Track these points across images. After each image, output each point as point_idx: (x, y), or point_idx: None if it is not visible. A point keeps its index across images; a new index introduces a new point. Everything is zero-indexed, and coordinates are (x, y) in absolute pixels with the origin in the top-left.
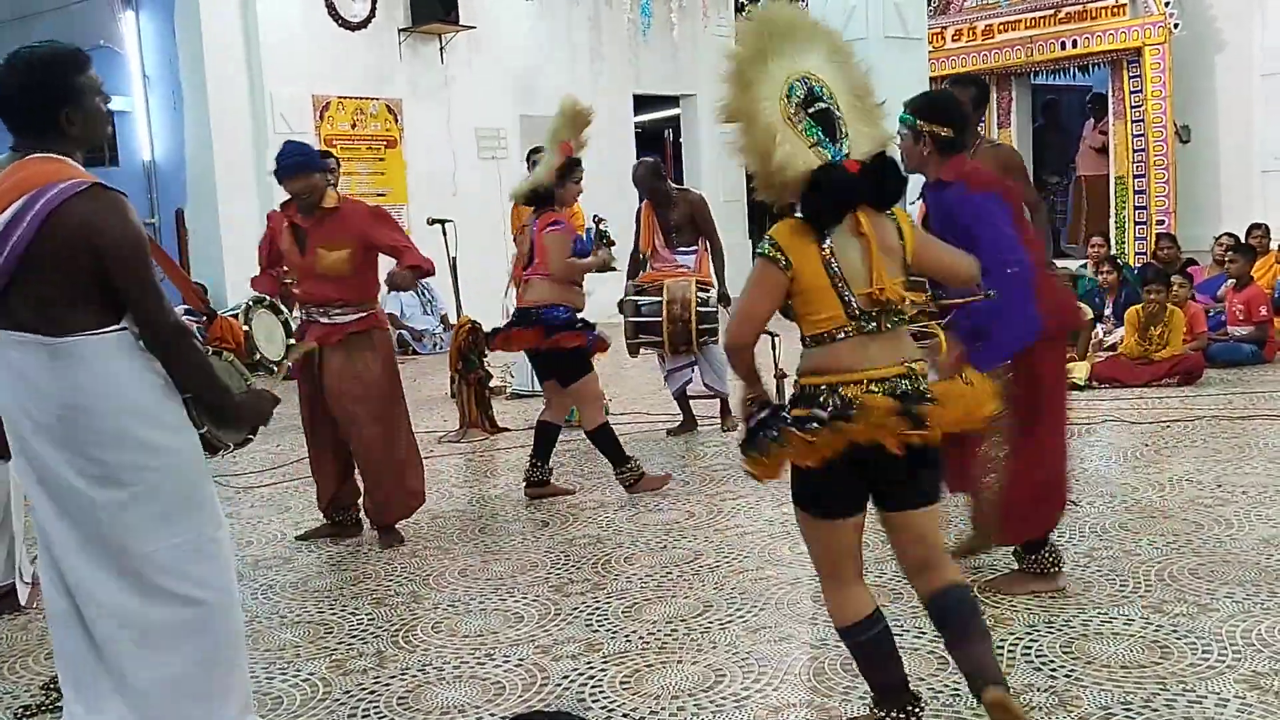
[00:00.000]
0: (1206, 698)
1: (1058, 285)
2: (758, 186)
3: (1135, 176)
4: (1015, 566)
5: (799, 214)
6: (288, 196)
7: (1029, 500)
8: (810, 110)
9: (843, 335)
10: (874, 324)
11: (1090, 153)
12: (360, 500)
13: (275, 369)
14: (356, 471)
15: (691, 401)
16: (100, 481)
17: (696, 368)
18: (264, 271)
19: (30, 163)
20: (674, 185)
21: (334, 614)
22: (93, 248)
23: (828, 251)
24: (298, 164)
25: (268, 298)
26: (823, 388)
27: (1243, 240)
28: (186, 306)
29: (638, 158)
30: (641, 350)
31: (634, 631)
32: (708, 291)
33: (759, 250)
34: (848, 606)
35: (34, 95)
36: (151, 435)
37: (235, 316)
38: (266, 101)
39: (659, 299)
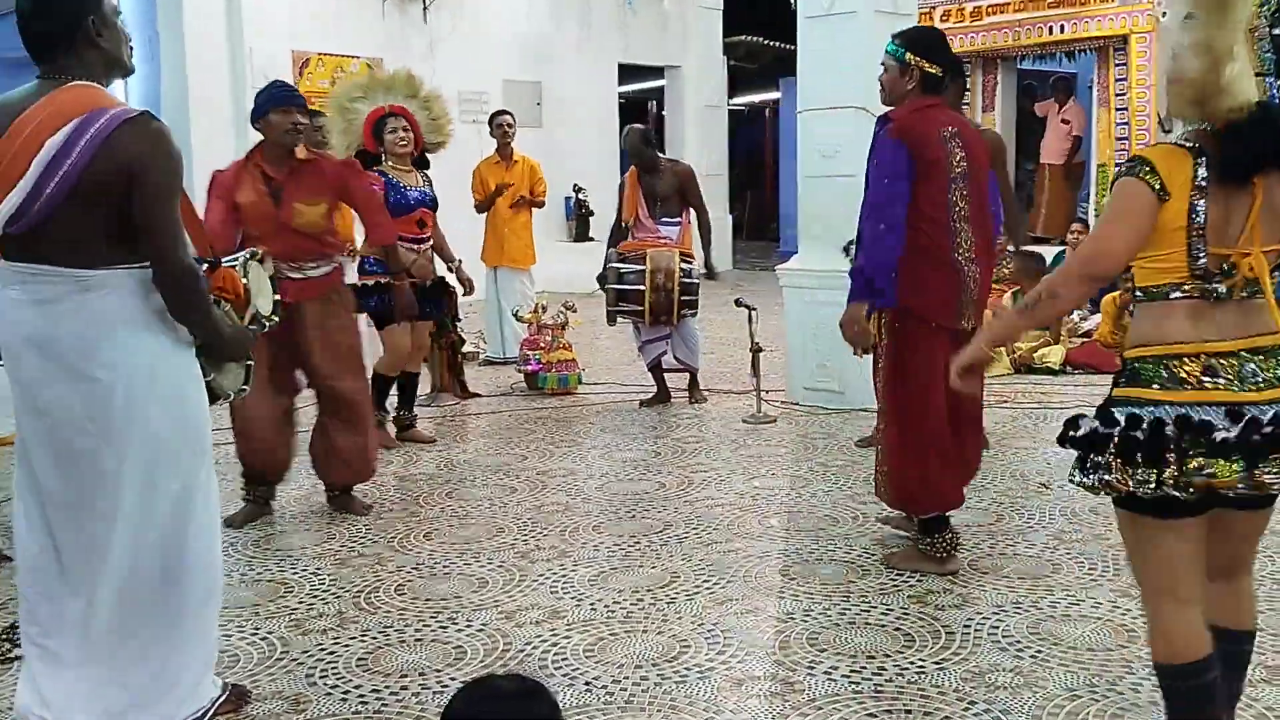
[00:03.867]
0: None
1: (953, 279)
2: (1170, 92)
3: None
4: (911, 541)
5: (1182, 143)
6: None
7: (896, 470)
8: (1276, 31)
9: (1178, 295)
10: (1222, 288)
11: (1054, 139)
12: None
13: (266, 324)
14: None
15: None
16: (104, 423)
17: (670, 340)
18: (216, 225)
19: (69, 90)
20: (663, 156)
21: (295, 574)
22: (134, 178)
23: (1198, 193)
24: (284, 94)
25: (259, 251)
26: (1149, 362)
27: None
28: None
29: (622, 127)
30: (619, 319)
31: (599, 600)
32: (690, 263)
33: (1128, 171)
34: (1180, 639)
35: (57, 3)
36: (169, 373)
37: (233, 268)
38: (245, 55)
39: (642, 268)
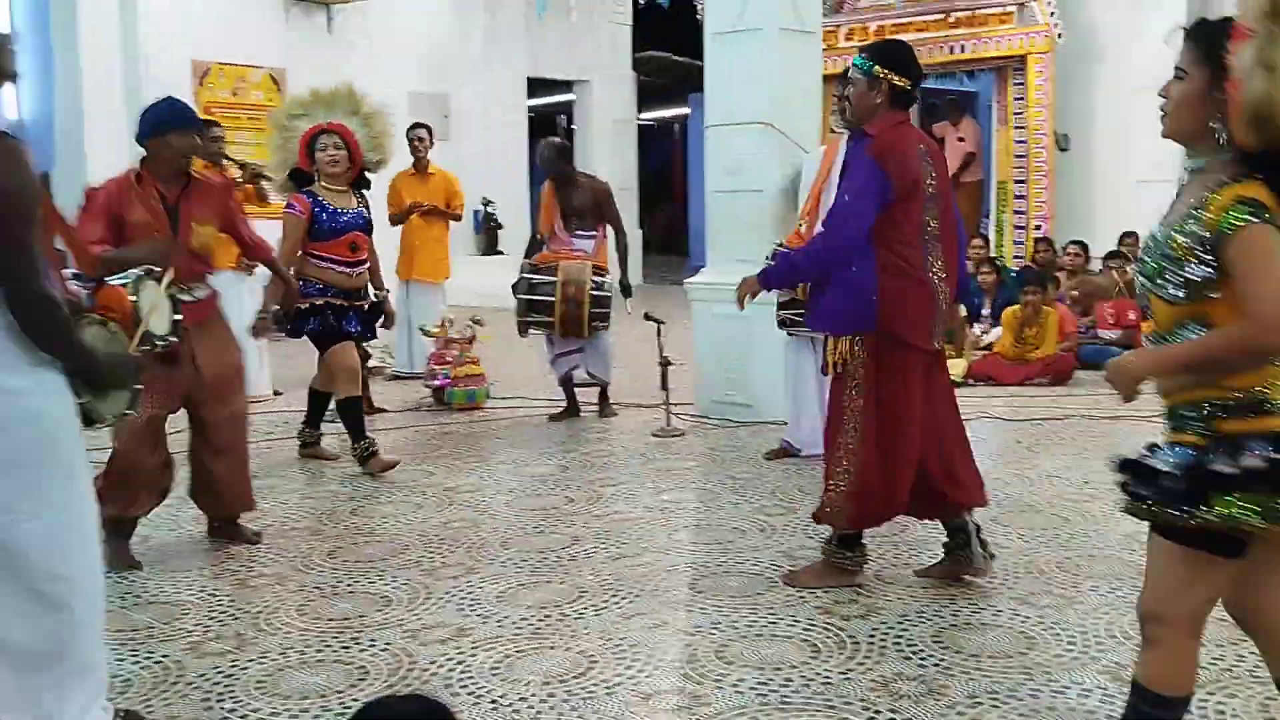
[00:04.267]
0: (1070, 688)
1: (929, 300)
2: (1249, 118)
3: (1016, 181)
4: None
5: (1249, 175)
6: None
7: (867, 491)
8: None
9: None
10: None
11: (952, 158)
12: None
13: (160, 345)
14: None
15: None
16: None
17: (582, 354)
18: (91, 245)
19: None
20: (581, 171)
21: (192, 595)
22: None
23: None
24: (189, 117)
25: (155, 269)
26: (1261, 393)
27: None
28: (75, 270)
29: (531, 141)
30: (530, 331)
31: (506, 617)
32: (603, 277)
33: (1249, 219)
34: (1189, 673)
35: None
36: (30, 395)
37: (124, 286)
38: (142, 65)
39: (554, 279)
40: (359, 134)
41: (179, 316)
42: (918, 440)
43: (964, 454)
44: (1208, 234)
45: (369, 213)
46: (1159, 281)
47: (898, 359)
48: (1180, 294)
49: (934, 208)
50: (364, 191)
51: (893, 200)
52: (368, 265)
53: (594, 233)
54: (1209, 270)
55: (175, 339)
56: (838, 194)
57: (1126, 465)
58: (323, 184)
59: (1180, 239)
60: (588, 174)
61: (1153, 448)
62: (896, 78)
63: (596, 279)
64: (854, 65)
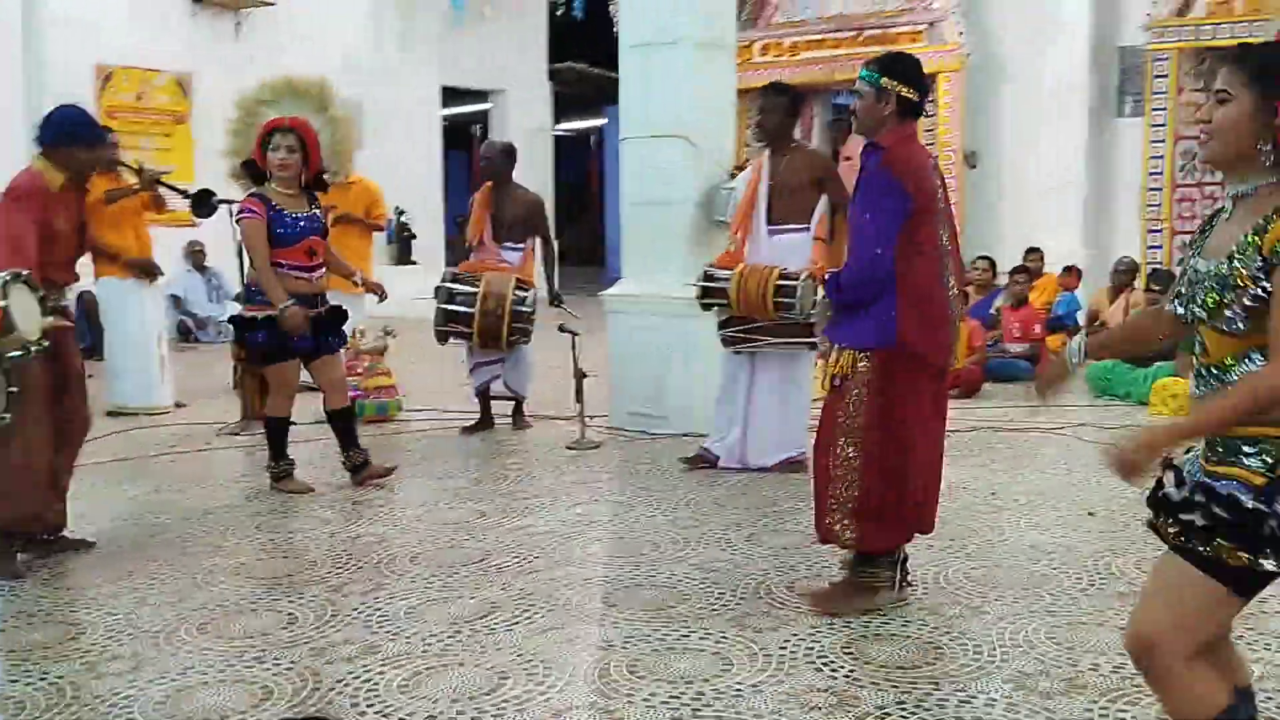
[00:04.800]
0: (977, 697)
1: (946, 316)
2: None
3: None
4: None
5: None
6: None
7: (876, 509)
8: None
9: None
10: None
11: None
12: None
13: (32, 351)
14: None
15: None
16: None
17: (503, 365)
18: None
19: None
20: (516, 182)
21: (89, 613)
22: None
23: None
24: (102, 132)
25: (24, 273)
26: None
27: (1022, 262)
28: None
29: (445, 150)
30: (450, 340)
31: (415, 633)
32: (527, 291)
33: None
34: (1212, 691)
35: None
36: None
37: None
38: (44, 68)
39: (475, 289)
40: (322, 136)
41: (50, 320)
42: (925, 455)
43: (936, 478)
44: (1264, 258)
45: (324, 216)
46: (1225, 314)
47: (909, 376)
48: (1244, 325)
49: (945, 222)
50: (318, 193)
51: (911, 213)
52: (324, 268)
53: (522, 245)
54: (1264, 294)
55: (47, 344)
56: (857, 211)
57: (1163, 495)
58: (274, 186)
59: (1241, 268)
60: (522, 186)
61: (1169, 467)
62: (905, 89)
63: (519, 292)
64: (860, 78)
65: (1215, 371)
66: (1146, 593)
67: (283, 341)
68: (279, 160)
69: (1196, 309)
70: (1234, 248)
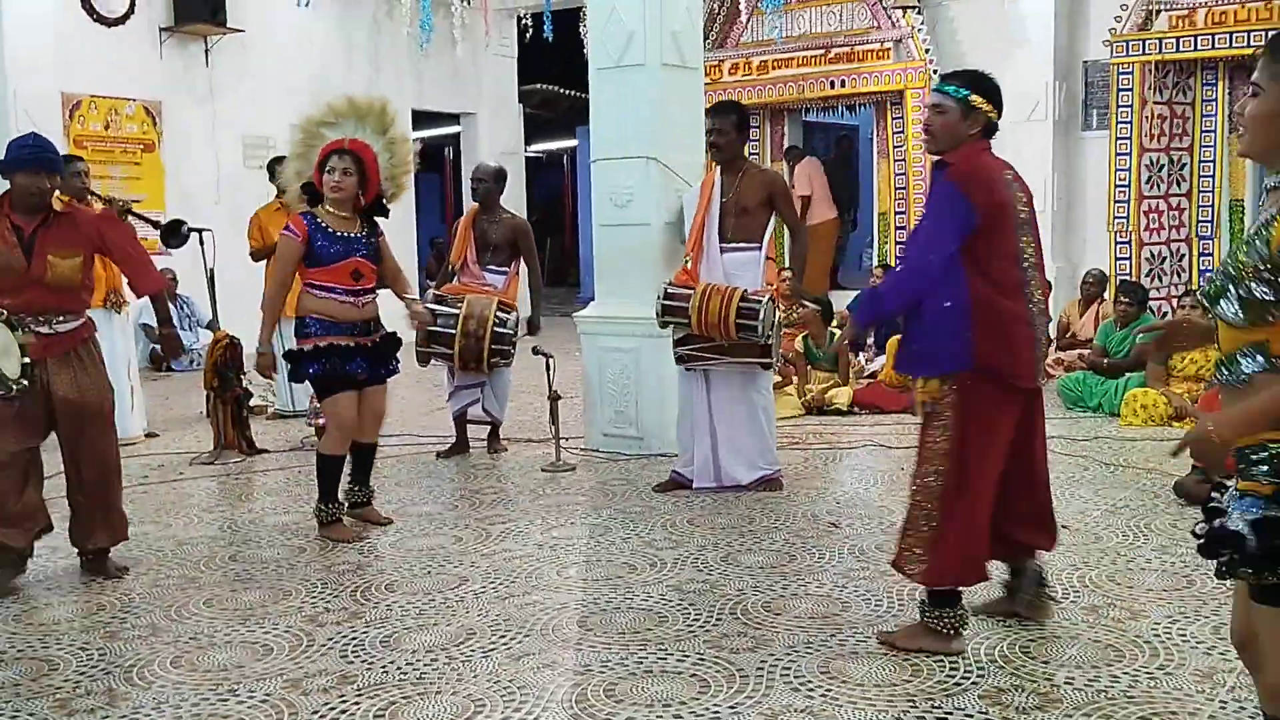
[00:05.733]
0: (952, 714)
1: (1030, 334)
2: None
3: (897, 213)
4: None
5: None
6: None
7: (956, 543)
8: None
9: None
10: None
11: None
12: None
13: (13, 388)
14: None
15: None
16: None
17: (482, 390)
18: None
19: None
20: (503, 206)
21: (60, 649)
22: None
23: None
24: (33, 158)
25: (4, 312)
26: None
27: None
28: None
29: (417, 174)
30: (432, 362)
31: (391, 662)
32: (508, 314)
33: None
34: None
35: None
36: None
37: None
38: (9, 97)
39: (456, 311)
40: (381, 159)
41: (27, 360)
42: (996, 486)
43: (1048, 497)
44: (1271, 252)
45: (378, 240)
46: (1221, 302)
47: (991, 399)
48: (1241, 315)
49: (1029, 234)
50: (376, 218)
51: (978, 226)
52: (373, 294)
53: (506, 268)
54: (1268, 291)
55: (26, 382)
56: (919, 223)
57: (1211, 528)
58: (326, 207)
59: (1243, 257)
60: (509, 210)
61: (1220, 489)
62: (990, 109)
63: (501, 315)
64: (944, 92)
65: (1227, 366)
66: (1265, 651)
67: (337, 370)
68: (333, 182)
69: (1205, 298)
70: (1244, 238)
